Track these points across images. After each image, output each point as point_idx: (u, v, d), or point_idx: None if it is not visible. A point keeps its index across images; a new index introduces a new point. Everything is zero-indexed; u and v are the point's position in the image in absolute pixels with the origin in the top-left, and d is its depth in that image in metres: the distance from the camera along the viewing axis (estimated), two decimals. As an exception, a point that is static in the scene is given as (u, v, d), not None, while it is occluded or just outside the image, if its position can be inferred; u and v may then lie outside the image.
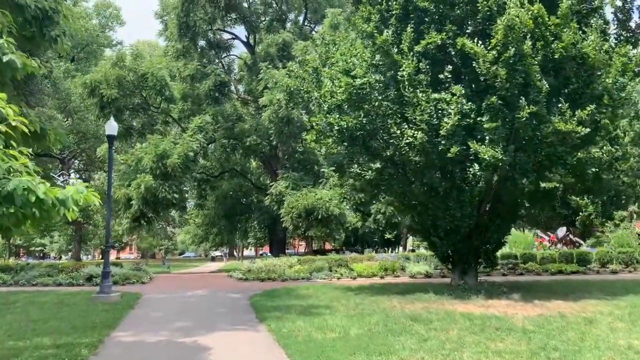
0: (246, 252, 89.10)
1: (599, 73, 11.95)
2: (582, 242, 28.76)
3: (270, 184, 33.01)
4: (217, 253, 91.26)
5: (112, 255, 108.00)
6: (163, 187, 29.27)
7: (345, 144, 13.75)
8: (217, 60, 39.30)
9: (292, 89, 16.49)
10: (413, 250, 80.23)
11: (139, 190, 28.91)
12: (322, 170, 33.31)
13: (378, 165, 13.32)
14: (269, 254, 36.74)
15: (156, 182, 29.18)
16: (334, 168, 14.82)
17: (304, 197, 29.54)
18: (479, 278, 15.19)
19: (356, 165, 13.56)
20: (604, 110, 11.87)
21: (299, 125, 31.78)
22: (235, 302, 14.70)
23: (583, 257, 22.54)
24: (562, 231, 28.94)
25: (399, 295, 13.90)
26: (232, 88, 39.48)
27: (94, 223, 65.39)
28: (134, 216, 30.91)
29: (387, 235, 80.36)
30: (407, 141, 12.20)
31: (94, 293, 15.37)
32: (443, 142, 11.94)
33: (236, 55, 41.90)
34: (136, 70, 32.56)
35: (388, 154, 13.15)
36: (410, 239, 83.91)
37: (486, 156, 11.20)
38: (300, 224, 30.30)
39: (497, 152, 11.18)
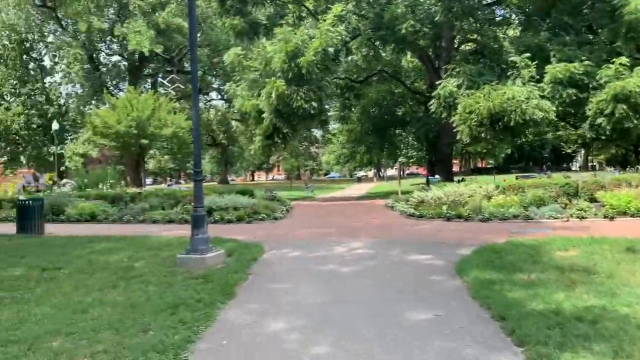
0: (390, 172, 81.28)
1: None
2: None
3: (438, 82, 24.46)
4: (362, 173, 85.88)
5: (262, 177, 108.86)
6: (297, 94, 22.89)
7: None
8: None
9: None
10: (594, 167, 66.70)
11: (270, 100, 23.30)
12: (509, 59, 23.89)
13: None
14: (426, 175, 28.98)
15: (289, 88, 22.89)
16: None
17: (488, 98, 20.98)
18: None
19: None
20: None
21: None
22: (432, 280, 7.38)
23: None
24: None
25: None
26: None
27: (239, 146, 63.31)
28: (266, 132, 25.29)
29: (566, 149, 66.91)
30: None
31: (182, 250, 8.91)
32: None
33: None
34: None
35: None
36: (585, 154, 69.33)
37: None
38: (482, 134, 21.96)
39: None
